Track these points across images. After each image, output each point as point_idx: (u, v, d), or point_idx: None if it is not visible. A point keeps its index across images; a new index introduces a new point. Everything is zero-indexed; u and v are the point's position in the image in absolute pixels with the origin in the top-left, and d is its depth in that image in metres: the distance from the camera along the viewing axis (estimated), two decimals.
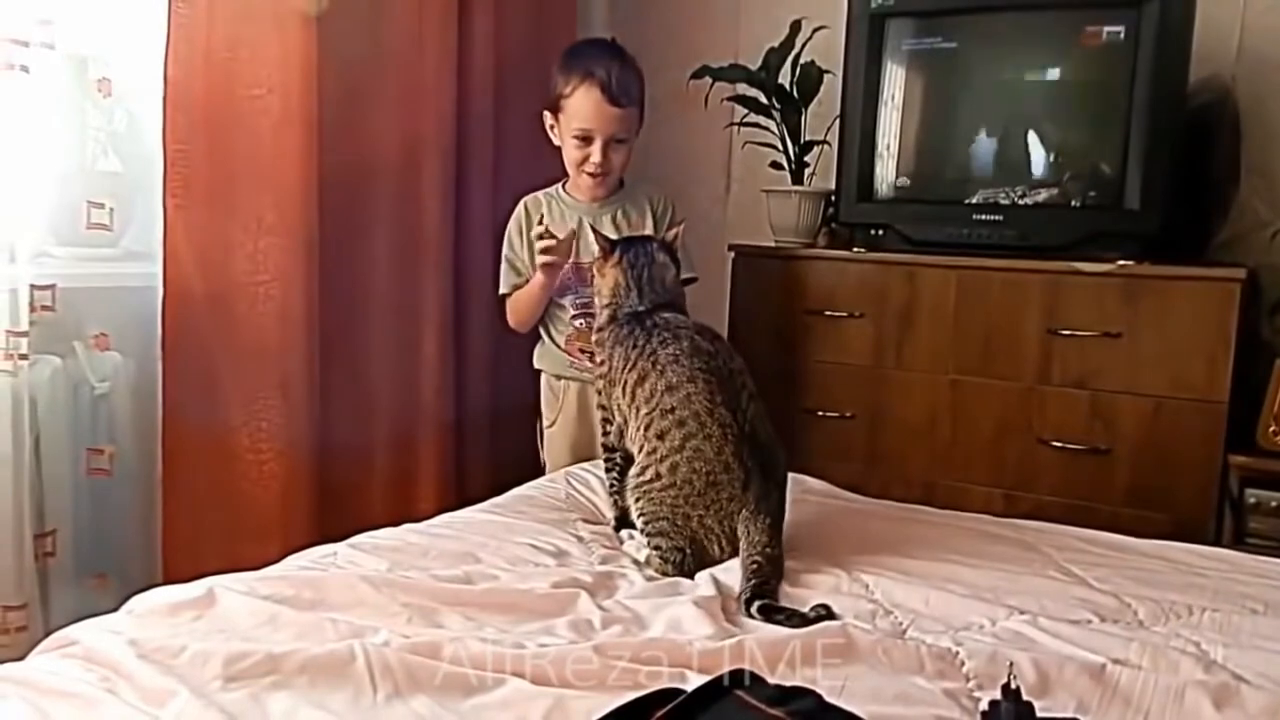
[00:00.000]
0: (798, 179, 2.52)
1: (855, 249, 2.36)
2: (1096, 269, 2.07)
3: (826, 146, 2.49)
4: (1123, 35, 2.07)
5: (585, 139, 2.10)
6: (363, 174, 2.23)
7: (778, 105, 2.50)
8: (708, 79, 2.52)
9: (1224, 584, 1.39)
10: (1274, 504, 1.99)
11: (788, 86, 2.49)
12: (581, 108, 2.08)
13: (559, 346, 2.21)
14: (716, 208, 2.95)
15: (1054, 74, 2.22)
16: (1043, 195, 2.21)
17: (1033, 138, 2.25)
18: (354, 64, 2.17)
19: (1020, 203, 2.21)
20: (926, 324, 2.26)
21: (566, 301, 2.17)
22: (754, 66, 2.50)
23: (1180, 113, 2.09)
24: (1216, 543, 1.97)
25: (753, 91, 2.51)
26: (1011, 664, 1.02)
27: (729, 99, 2.55)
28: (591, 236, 1.84)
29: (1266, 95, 2.27)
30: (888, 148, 2.36)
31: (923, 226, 2.28)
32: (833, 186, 2.42)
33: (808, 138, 2.52)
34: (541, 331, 2.24)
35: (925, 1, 2.28)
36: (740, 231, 2.77)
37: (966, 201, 2.24)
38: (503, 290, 2.23)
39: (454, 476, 2.41)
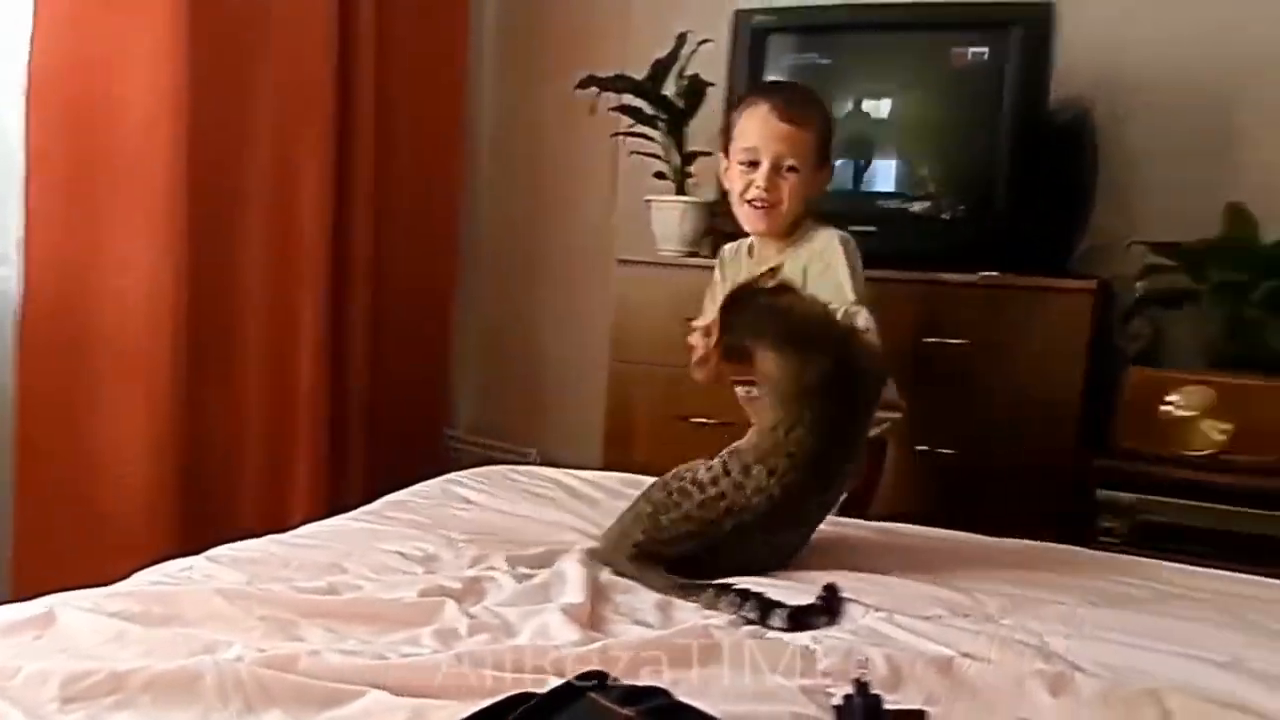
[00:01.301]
0: (681, 189, 2.55)
1: None
2: (961, 279, 2.15)
3: (710, 157, 2.53)
4: (988, 56, 2.16)
5: (751, 163, 1.82)
6: (236, 174, 2.18)
7: (663, 116, 2.53)
8: (594, 88, 2.53)
9: (1073, 579, 1.45)
10: (1125, 503, 2.10)
11: (672, 97, 2.52)
12: (747, 127, 1.83)
13: None
14: (604, 219, 2.97)
15: (926, 92, 2.31)
16: (917, 208, 2.29)
17: (906, 153, 2.33)
18: (228, 61, 2.13)
19: (895, 215, 2.28)
20: None
21: None
22: (641, 77, 2.53)
23: (1043, 131, 2.19)
24: (1071, 541, 2.06)
25: (639, 102, 2.54)
26: (864, 659, 1.05)
27: (615, 109, 2.57)
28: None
29: (1123, 116, 2.39)
30: None
31: None
32: (715, 197, 2.46)
33: (692, 148, 2.55)
34: None
35: (803, 19, 2.35)
36: (628, 241, 2.80)
37: (842, 213, 2.30)
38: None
39: (328, 485, 2.37)
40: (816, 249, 1.84)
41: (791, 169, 1.81)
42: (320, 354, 2.33)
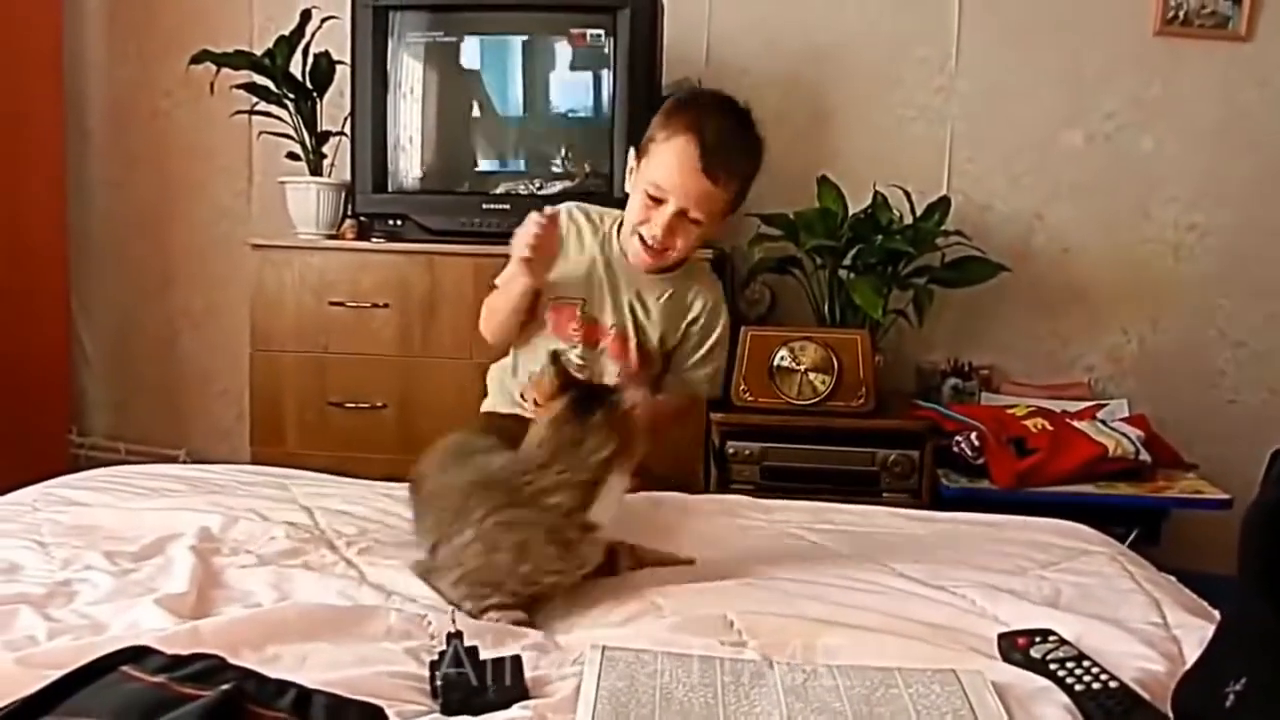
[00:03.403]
0: (316, 170, 2.49)
1: (374, 239, 2.39)
2: None
3: (345, 138, 2.49)
4: (604, 37, 2.28)
5: (657, 200, 1.64)
6: None
7: (290, 95, 2.45)
8: (211, 65, 2.40)
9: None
10: (748, 452, 2.30)
11: (300, 76, 2.45)
12: (667, 162, 1.62)
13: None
14: (239, 201, 2.84)
15: (549, 71, 2.39)
16: (558, 187, 2.37)
17: (537, 131, 2.41)
18: None
19: (530, 193, 2.35)
20: (448, 311, 2.33)
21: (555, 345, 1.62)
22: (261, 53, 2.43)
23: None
24: (718, 491, 2.22)
25: (264, 80, 2.45)
26: (453, 610, 1.09)
27: (238, 87, 2.46)
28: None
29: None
30: (411, 140, 2.41)
31: (437, 217, 2.36)
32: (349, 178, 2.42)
33: (325, 128, 2.50)
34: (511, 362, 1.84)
35: None
36: (267, 223, 2.69)
37: (477, 192, 2.35)
38: (499, 280, 1.76)
39: None
40: (705, 306, 1.76)
41: (696, 221, 1.65)
42: None
